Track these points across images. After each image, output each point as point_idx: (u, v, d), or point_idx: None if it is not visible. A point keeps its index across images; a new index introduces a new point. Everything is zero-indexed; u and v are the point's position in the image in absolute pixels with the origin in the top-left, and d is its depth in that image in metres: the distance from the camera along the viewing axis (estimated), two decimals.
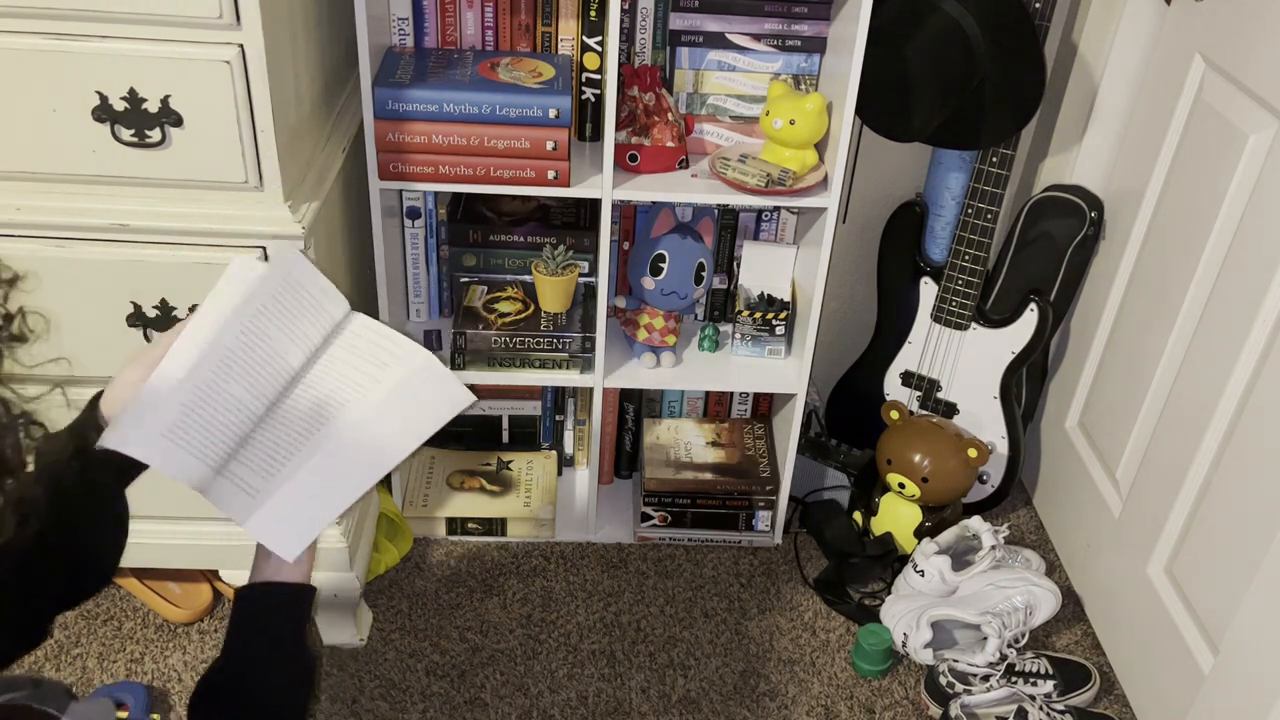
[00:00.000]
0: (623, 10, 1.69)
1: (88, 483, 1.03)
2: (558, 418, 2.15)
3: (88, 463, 1.03)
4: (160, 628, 1.81)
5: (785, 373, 1.94)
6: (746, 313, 1.93)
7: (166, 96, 1.31)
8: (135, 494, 1.10)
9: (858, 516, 2.07)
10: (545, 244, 1.91)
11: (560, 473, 2.17)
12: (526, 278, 1.96)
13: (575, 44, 1.78)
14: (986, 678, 1.73)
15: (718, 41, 1.77)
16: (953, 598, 1.85)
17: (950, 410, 2.06)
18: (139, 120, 1.32)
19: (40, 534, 0.94)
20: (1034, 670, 1.77)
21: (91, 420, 1.05)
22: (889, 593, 1.93)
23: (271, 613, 1.03)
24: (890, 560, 1.99)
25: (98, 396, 1.08)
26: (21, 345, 0.80)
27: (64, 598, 1.08)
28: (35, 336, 0.81)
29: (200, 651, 1.78)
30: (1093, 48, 1.90)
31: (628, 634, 1.88)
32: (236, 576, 1.75)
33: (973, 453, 1.91)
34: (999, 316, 1.97)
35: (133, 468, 1.06)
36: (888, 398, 2.11)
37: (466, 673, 1.79)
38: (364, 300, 1.86)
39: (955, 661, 1.76)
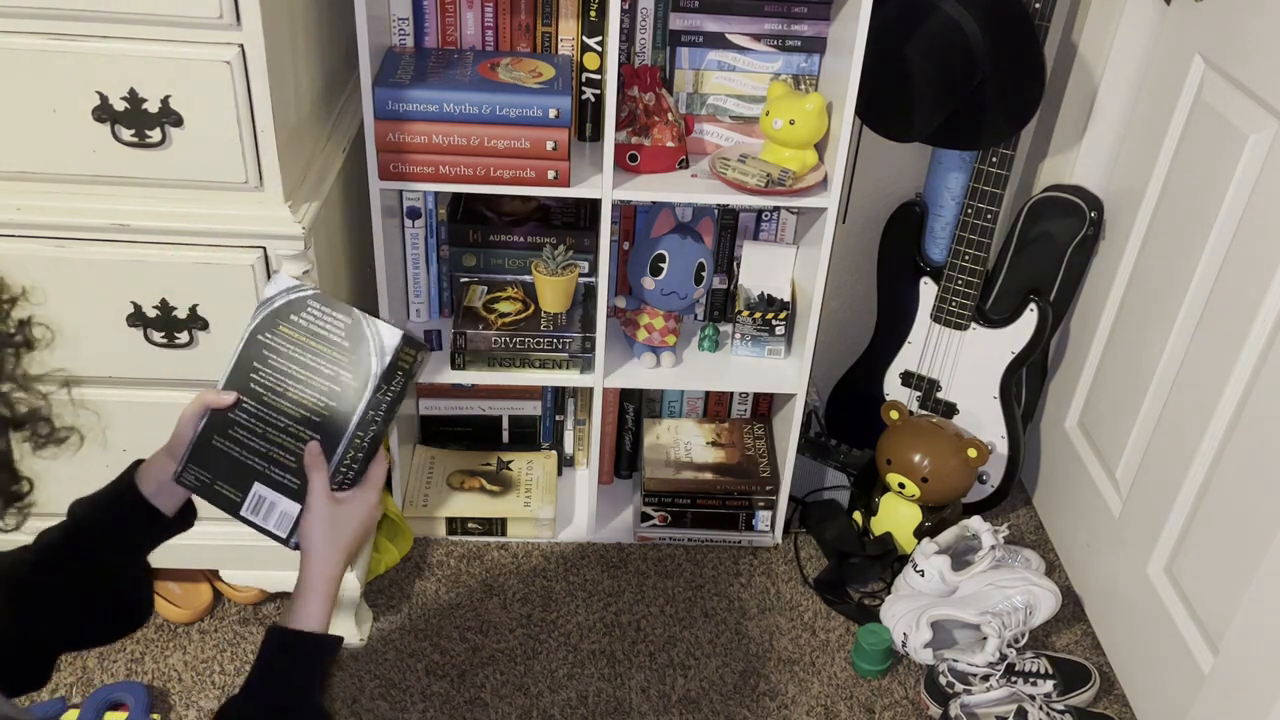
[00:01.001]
0: (623, 10, 1.69)
1: (118, 543, 1.11)
2: (558, 418, 2.15)
3: (121, 523, 1.10)
4: (160, 628, 1.81)
5: (785, 373, 1.94)
6: (746, 313, 1.93)
7: (166, 97, 1.31)
8: None
9: (858, 516, 2.07)
10: (545, 244, 1.91)
11: (560, 473, 2.17)
12: (526, 278, 1.96)
13: (575, 44, 1.78)
14: (986, 678, 1.73)
15: (718, 41, 1.77)
16: (953, 598, 1.85)
17: (950, 410, 2.06)
18: (139, 120, 1.32)
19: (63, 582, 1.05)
20: (1034, 670, 1.77)
21: (129, 491, 1.11)
22: (889, 593, 1.93)
23: (298, 660, 1.05)
24: (890, 560, 1.99)
25: (135, 465, 1.13)
26: (30, 352, 0.84)
27: (79, 642, 1.17)
28: (42, 344, 0.85)
29: (200, 651, 1.78)
30: (1093, 48, 1.90)
31: (628, 634, 1.88)
32: (236, 576, 1.76)
33: (972, 453, 1.91)
34: (999, 316, 1.97)
35: (162, 532, 1.13)
36: (888, 398, 2.11)
37: (466, 673, 1.79)
38: (364, 300, 1.86)
39: (955, 661, 1.76)
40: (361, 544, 1.11)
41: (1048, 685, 1.76)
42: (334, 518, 1.06)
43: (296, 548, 1.08)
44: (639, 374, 1.92)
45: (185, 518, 1.15)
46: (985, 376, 2.01)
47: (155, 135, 1.33)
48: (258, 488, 1.09)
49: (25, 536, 1.05)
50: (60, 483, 0.96)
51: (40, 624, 1.06)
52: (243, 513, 1.10)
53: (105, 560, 1.09)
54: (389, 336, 1.06)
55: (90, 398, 1.52)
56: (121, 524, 1.10)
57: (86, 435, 0.89)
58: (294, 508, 1.08)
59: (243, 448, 1.09)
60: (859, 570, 1.98)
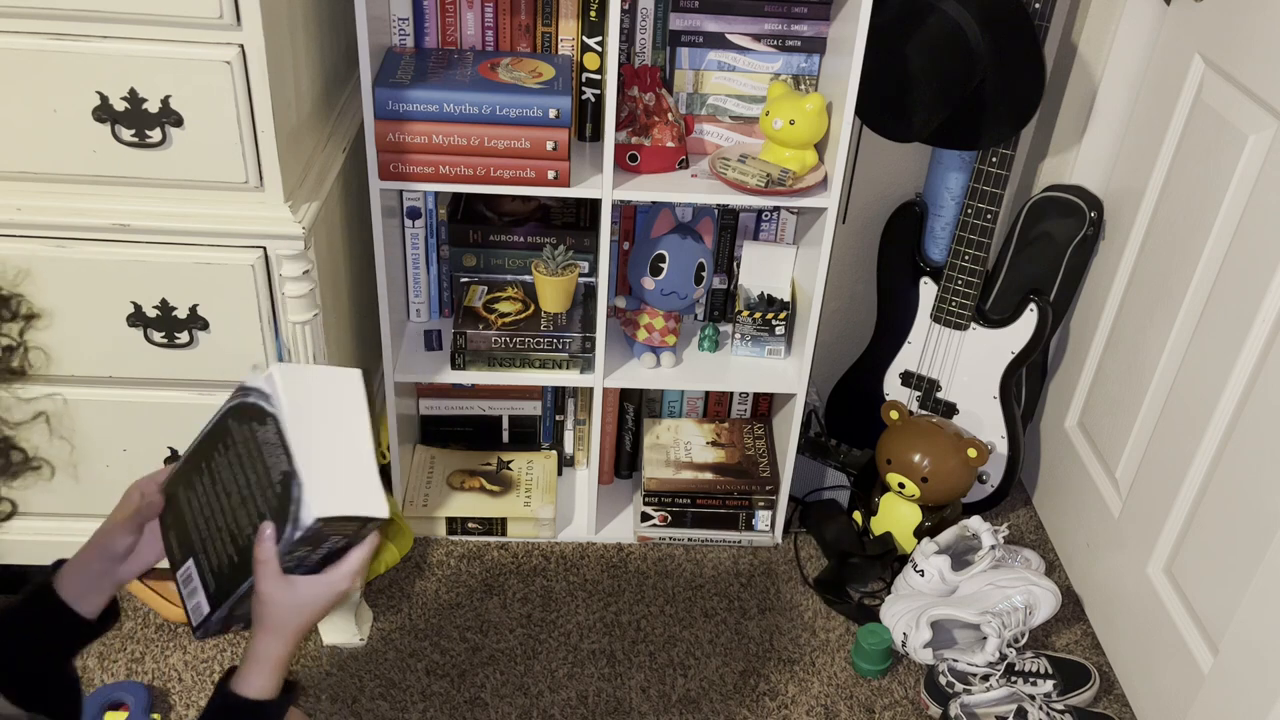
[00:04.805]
0: (623, 10, 1.69)
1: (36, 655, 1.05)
2: (558, 418, 2.15)
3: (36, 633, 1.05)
4: (160, 628, 1.81)
5: (785, 373, 1.94)
6: (746, 313, 1.93)
7: (167, 97, 1.31)
8: None
9: (858, 516, 2.07)
10: (545, 244, 1.91)
11: (560, 473, 2.17)
12: (526, 278, 1.96)
13: (575, 44, 1.78)
14: (986, 677, 1.73)
15: (718, 42, 1.77)
16: (952, 597, 1.85)
17: (950, 410, 2.07)
18: (139, 120, 1.32)
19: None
20: (1034, 670, 1.77)
21: (47, 595, 1.06)
22: (889, 593, 1.93)
23: None
24: (890, 560, 1.99)
25: (56, 565, 1.08)
26: (19, 380, 0.80)
27: None
28: (35, 371, 0.82)
29: (200, 651, 1.78)
30: (1093, 48, 1.90)
31: (628, 634, 1.88)
32: None
33: (972, 453, 1.91)
34: (999, 316, 1.97)
35: (82, 636, 1.08)
36: (888, 398, 2.11)
37: (466, 673, 1.79)
38: (364, 300, 1.86)
39: (955, 661, 1.76)
40: (323, 616, 1.05)
41: (1048, 685, 1.76)
42: (287, 603, 1.00)
43: (204, 639, 1.05)
44: (639, 374, 1.92)
45: (107, 620, 1.10)
46: (985, 376, 2.01)
47: (155, 135, 1.33)
48: (192, 564, 1.04)
49: None
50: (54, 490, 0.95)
51: None
52: (178, 575, 1.05)
53: (22, 666, 1.03)
54: (306, 514, 0.94)
55: (89, 398, 1.52)
56: (37, 630, 1.05)
57: (58, 468, 0.86)
58: (207, 607, 1.02)
59: (193, 513, 1.04)
60: (859, 570, 1.98)
